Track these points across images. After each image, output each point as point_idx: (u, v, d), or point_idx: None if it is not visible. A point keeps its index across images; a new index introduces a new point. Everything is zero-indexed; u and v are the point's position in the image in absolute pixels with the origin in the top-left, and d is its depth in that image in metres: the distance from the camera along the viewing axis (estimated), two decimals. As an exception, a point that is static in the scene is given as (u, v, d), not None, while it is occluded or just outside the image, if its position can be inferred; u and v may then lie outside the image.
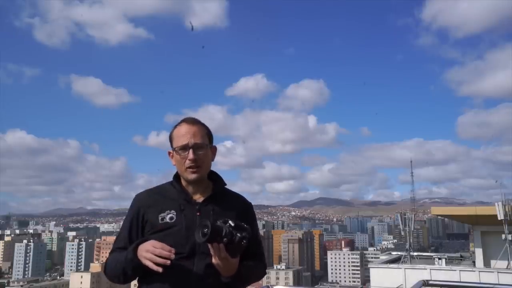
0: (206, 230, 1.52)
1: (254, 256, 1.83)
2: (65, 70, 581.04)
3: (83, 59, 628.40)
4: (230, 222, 1.57)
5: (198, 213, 1.74)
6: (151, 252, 1.56)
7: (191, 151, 1.74)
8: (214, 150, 1.87)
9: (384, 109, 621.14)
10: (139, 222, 1.77)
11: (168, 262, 1.54)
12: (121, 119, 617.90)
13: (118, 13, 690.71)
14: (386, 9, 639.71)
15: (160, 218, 1.73)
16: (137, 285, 1.79)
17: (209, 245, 1.58)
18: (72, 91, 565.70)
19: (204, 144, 1.79)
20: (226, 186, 1.90)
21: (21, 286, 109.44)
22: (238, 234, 1.56)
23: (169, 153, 1.85)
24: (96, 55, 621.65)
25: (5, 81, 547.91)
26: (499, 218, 15.23)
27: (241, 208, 1.85)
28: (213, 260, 1.60)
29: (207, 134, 1.84)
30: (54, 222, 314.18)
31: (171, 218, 1.72)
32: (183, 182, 1.82)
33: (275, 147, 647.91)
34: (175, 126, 1.84)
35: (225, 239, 1.54)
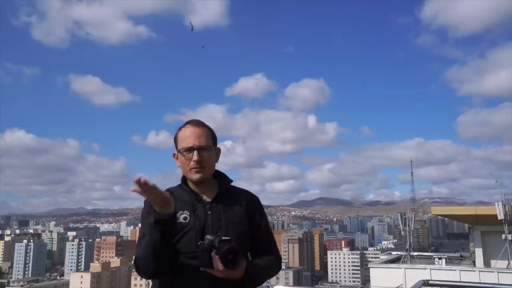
0: (230, 256, 1.56)
1: (266, 251, 1.89)
2: (64, 69, 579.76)
3: (82, 58, 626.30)
4: (223, 237, 1.61)
5: (209, 212, 1.79)
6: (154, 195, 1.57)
7: (195, 152, 1.79)
8: (218, 151, 1.93)
9: (385, 109, 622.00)
10: None
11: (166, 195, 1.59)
12: (120, 119, 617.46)
13: (118, 11, 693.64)
14: (386, 8, 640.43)
15: None
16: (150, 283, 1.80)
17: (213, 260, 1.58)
18: (71, 90, 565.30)
19: (208, 146, 1.84)
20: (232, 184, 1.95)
21: (21, 286, 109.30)
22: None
23: (174, 154, 1.89)
24: (96, 54, 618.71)
25: (4, 80, 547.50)
26: (499, 218, 15.17)
27: (249, 204, 1.90)
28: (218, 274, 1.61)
29: (212, 136, 1.88)
30: (54, 222, 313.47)
31: (184, 218, 1.77)
32: (190, 184, 1.87)
33: (275, 147, 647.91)
34: (180, 128, 1.87)
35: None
